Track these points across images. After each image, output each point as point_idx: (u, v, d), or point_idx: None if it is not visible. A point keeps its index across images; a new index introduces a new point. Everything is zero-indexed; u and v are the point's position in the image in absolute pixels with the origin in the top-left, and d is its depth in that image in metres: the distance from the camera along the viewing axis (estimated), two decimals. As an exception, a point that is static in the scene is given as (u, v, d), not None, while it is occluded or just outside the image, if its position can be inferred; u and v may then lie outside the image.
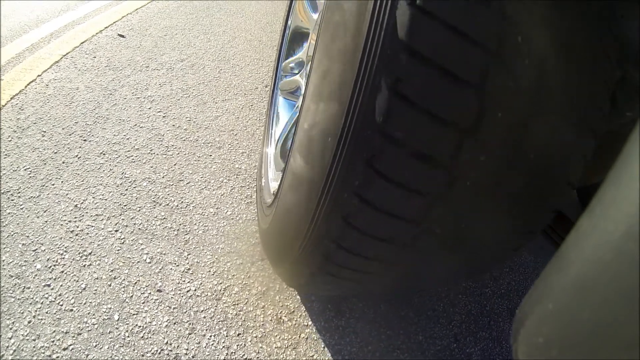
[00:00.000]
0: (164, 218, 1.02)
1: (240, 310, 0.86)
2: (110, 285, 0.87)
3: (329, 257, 0.51)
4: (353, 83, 0.40)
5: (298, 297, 0.91)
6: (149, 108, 1.43)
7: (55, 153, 1.21)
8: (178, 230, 0.99)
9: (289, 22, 1.10)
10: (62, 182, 1.11)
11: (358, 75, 0.39)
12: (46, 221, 1.00)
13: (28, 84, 1.56)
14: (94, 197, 1.06)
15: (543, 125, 0.39)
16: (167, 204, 1.05)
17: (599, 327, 0.23)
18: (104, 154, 1.20)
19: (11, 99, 1.46)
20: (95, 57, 1.78)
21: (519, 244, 0.52)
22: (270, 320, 0.86)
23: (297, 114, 0.63)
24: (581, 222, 0.26)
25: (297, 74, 1.03)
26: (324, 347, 0.83)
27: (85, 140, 1.26)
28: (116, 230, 0.98)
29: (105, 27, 2.06)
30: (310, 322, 0.87)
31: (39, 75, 1.63)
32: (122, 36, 1.99)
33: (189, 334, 0.81)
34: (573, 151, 0.42)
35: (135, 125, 1.34)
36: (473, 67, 0.36)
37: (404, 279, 0.56)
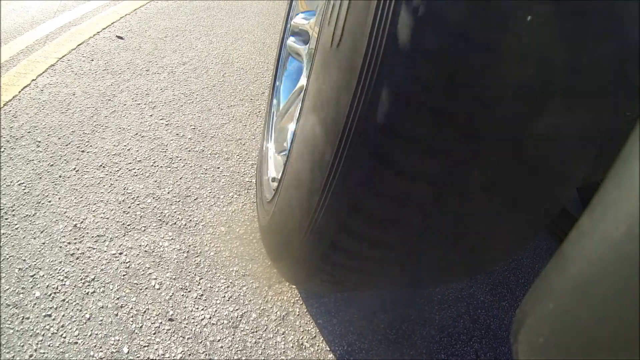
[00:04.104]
0: (172, 239, 0.95)
1: (259, 338, 0.80)
2: (117, 315, 0.80)
3: (329, 253, 0.51)
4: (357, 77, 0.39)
5: (320, 321, 0.85)
6: (151, 115, 1.35)
7: (51, 166, 1.13)
8: (188, 252, 0.93)
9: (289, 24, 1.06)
10: (59, 198, 1.03)
11: (358, 82, 0.39)
12: (44, 243, 0.93)
13: (22, 89, 1.48)
14: (94, 216, 0.99)
15: (544, 127, 0.39)
16: (175, 223, 0.98)
17: (599, 327, 0.23)
18: (103, 167, 1.13)
19: (4, 105, 1.38)
20: (92, 60, 1.70)
21: (519, 243, 0.52)
22: (292, 347, 0.80)
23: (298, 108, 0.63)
24: (581, 221, 0.26)
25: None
26: (349, 378, 0.78)
27: (83, 151, 1.19)
28: (120, 253, 0.91)
29: (103, 29, 1.98)
30: (332, 347, 0.82)
31: (33, 80, 1.54)
32: (121, 38, 1.91)
33: (205, 367, 0.75)
34: (575, 151, 0.42)
35: (137, 134, 1.26)
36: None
37: (404, 276, 0.56)
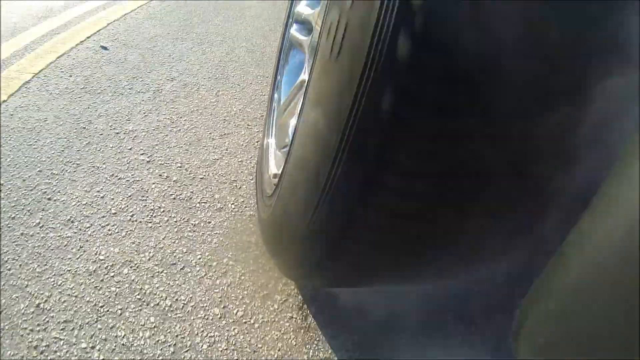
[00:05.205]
0: (155, 327, 0.76)
1: None
2: None
3: (330, 249, 0.50)
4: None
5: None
6: (130, 149, 1.15)
7: (12, 219, 0.95)
8: (175, 345, 0.74)
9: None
10: (20, 265, 0.85)
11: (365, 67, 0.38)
12: (2, 329, 0.75)
13: (-13, 115, 1.28)
14: (60, 292, 0.81)
15: (545, 126, 0.38)
16: (158, 304, 0.79)
17: (598, 327, 0.23)
18: (72, 222, 0.94)
19: (-35, 136, 1.19)
20: (71, 76, 1.50)
21: (519, 241, 0.51)
22: None
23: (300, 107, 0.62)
24: (581, 222, 0.26)
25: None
26: None
27: (49, 198, 1.00)
28: (92, 347, 0.73)
29: (88, 37, 1.79)
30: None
31: (4, 101, 1.36)
32: (105, 48, 1.72)
33: None
34: (576, 150, 0.41)
35: (113, 175, 1.06)
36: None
37: (406, 272, 0.55)
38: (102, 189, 1.02)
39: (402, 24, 0.34)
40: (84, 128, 1.23)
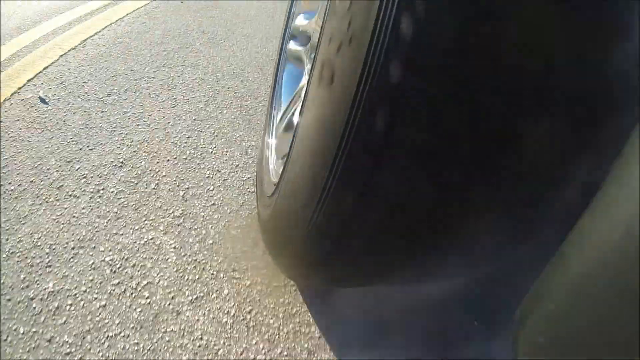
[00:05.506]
0: None
1: None
2: None
3: (331, 248, 0.49)
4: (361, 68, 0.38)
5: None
6: (49, 341, 0.68)
7: None
8: None
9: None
10: None
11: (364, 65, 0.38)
12: None
13: None
14: None
15: (544, 126, 0.37)
16: None
17: (599, 327, 0.23)
18: None
19: None
20: None
21: (520, 242, 0.50)
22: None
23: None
24: (581, 221, 0.26)
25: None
26: None
27: None
28: None
29: (29, 80, 1.36)
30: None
31: None
32: (44, 102, 1.30)
33: None
34: (576, 150, 0.39)
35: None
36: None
37: (407, 272, 0.55)
38: None
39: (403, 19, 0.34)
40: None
